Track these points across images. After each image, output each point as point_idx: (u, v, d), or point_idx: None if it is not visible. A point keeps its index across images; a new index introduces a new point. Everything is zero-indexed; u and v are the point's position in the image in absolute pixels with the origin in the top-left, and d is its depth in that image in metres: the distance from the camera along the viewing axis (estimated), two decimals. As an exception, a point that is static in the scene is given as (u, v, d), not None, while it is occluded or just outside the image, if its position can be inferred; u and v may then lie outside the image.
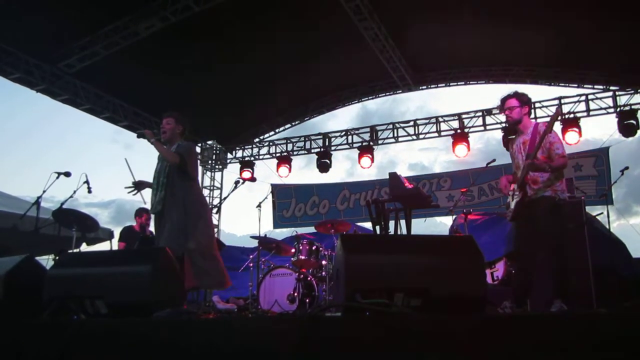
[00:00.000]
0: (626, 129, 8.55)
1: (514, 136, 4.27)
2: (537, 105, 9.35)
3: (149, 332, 2.19)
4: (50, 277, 2.97)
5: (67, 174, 5.38)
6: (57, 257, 5.48)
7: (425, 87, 10.57)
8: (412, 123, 10.43)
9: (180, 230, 4.02)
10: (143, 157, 4.45)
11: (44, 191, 5.36)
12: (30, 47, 7.53)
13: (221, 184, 12.01)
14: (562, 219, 3.83)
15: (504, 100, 4.06)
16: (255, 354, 1.94)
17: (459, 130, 9.80)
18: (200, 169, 11.89)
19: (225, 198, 6.74)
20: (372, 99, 11.30)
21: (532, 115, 9.30)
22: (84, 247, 7.21)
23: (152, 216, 4.36)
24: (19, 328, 2.34)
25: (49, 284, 2.90)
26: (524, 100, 4.01)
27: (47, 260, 5.93)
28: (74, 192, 5.43)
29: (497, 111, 4.48)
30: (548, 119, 9.09)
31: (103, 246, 8.01)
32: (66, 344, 2.14)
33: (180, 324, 2.27)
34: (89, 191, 5.45)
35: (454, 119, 10.04)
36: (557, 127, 8.96)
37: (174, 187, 4.16)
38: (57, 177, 5.35)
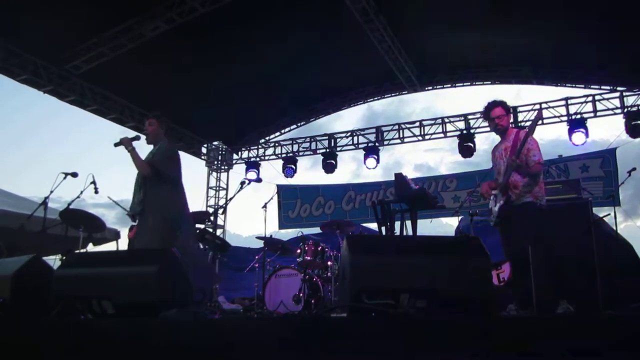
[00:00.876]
0: (634, 130, 8.49)
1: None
2: (543, 106, 9.32)
3: (155, 332, 2.20)
4: (57, 277, 2.99)
5: (74, 175, 5.40)
6: (64, 257, 5.52)
7: (431, 87, 10.55)
8: (417, 124, 10.41)
9: (157, 236, 4.01)
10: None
11: (51, 191, 5.39)
12: (37, 48, 7.58)
13: (227, 184, 12.04)
14: (542, 224, 3.85)
15: (488, 109, 4.14)
16: (261, 354, 1.94)
17: (464, 131, 9.77)
18: (206, 169, 11.95)
19: (231, 199, 6.73)
20: (378, 99, 11.31)
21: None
22: (91, 248, 7.26)
23: None
24: (26, 327, 2.36)
25: (56, 284, 2.92)
26: (508, 108, 4.14)
27: (54, 260, 5.97)
28: (81, 192, 5.46)
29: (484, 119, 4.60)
30: (557, 119, 9.08)
31: (109, 246, 8.06)
32: (73, 343, 2.15)
33: (187, 324, 2.28)
34: (96, 192, 5.48)
35: (459, 120, 10.01)
36: (564, 128, 8.96)
37: (151, 191, 4.16)
38: (64, 178, 5.37)
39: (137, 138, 4.34)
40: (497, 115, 4.08)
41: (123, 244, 7.16)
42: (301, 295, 5.76)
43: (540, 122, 3.93)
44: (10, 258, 3.92)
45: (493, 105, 4.11)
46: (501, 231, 4.08)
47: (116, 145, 4.24)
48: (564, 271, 3.76)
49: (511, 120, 4.19)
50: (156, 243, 3.93)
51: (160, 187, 4.16)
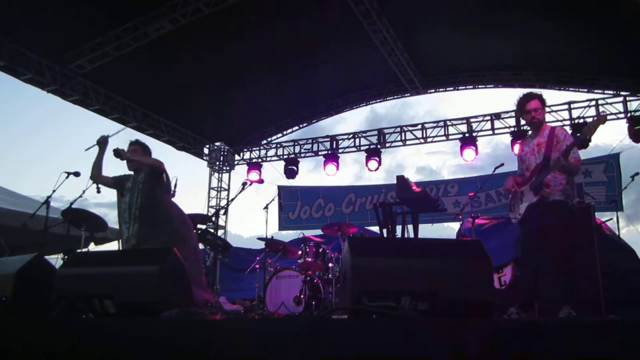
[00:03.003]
0: (637, 135, 8.47)
1: (521, 139, 4.22)
2: (546, 110, 9.29)
3: (156, 331, 2.20)
4: (59, 277, 2.99)
5: (77, 174, 5.41)
6: (66, 257, 5.53)
7: (433, 90, 10.55)
8: (420, 126, 10.41)
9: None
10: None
11: (54, 191, 5.41)
12: (41, 48, 7.60)
13: (228, 185, 12.05)
14: (573, 224, 3.75)
15: (524, 101, 3.94)
16: (261, 355, 1.94)
17: (467, 134, 9.77)
18: (207, 170, 11.97)
19: (232, 199, 6.74)
20: (381, 102, 11.32)
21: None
22: (92, 247, 7.26)
23: None
24: (29, 325, 2.37)
25: (58, 283, 2.92)
26: (545, 102, 3.95)
27: (56, 259, 5.98)
28: (83, 192, 5.45)
29: (517, 112, 4.33)
30: (559, 123, 9.07)
31: (111, 246, 8.06)
32: (75, 342, 2.16)
33: (188, 324, 2.28)
34: (98, 191, 5.46)
35: (462, 123, 10.01)
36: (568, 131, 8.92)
37: (158, 209, 4.11)
38: (67, 177, 5.39)
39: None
40: (533, 107, 3.88)
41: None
42: (302, 296, 5.76)
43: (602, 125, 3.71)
44: (12, 257, 3.93)
45: (529, 97, 3.92)
46: (523, 229, 3.94)
47: (115, 154, 4.16)
48: (569, 275, 3.71)
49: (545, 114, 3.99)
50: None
51: (164, 201, 4.15)
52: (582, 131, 3.71)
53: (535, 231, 3.80)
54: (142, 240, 4.05)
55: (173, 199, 4.65)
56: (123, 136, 4.58)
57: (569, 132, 8.86)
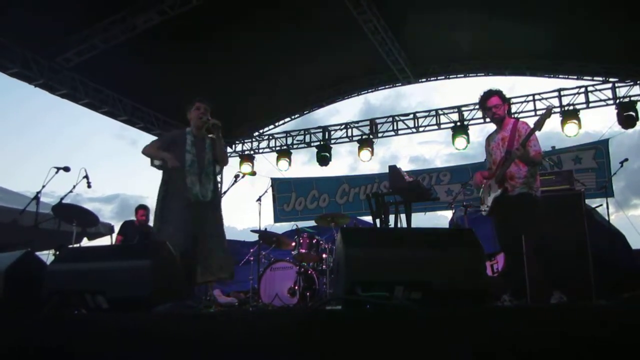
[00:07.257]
0: (626, 121, 8.53)
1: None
2: (536, 97, 9.35)
3: (150, 326, 2.19)
4: (50, 272, 2.97)
5: (67, 169, 5.37)
6: (57, 252, 5.49)
7: (424, 79, 10.54)
8: (411, 116, 10.41)
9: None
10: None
11: (44, 186, 5.36)
12: (27, 41, 7.47)
13: (221, 177, 11.96)
14: (538, 214, 3.85)
15: (485, 98, 4.07)
16: (257, 347, 1.94)
17: (458, 123, 9.79)
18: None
19: (225, 192, 6.71)
20: (372, 92, 11.29)
21: (532, 108, 9.34)
22: (85, 242, 7.22)
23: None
24: (20, 323, 2.35)
25: (49, 279, 2.90)
26: (505, 98, 4.08)
27: (47, 256, 5.95)
28: (74, 187, 5.43)
29: (480, 109, 4.65)
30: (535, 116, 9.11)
31: (103, 241, 8.03)
32: (67, 338, 2.14)
33: (181, 318, 2.27)
34: (89, 186, 5.45)
35: (453, 112, 10.02)
36: (557, 119, 8.98)
37: (215, 182, 4.20)
38: (57, 172, 5.34)
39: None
40: (493, 104, 4.02)
41: (116, 237, 7.13)
42: (296, 288, 5.78)
43: (548, 118, 3.86)
44: (2, 253, 3.89)
45: (489, 94, 4.06)
46: (495, 221, 4.10)
47: (213, 127, 4.12)
48: (557, 262, 3.78)
49: (507, 109, 4.15)
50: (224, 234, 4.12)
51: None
52: (534, 124, 3.81)
53: (503, 223, 3.96)
54: (217, 200, 4.09)
55: None
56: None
57: (559, 119, 8.98)
